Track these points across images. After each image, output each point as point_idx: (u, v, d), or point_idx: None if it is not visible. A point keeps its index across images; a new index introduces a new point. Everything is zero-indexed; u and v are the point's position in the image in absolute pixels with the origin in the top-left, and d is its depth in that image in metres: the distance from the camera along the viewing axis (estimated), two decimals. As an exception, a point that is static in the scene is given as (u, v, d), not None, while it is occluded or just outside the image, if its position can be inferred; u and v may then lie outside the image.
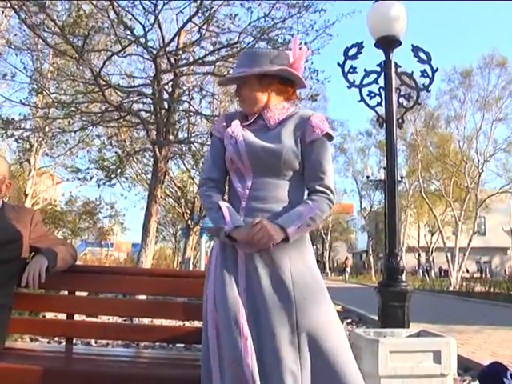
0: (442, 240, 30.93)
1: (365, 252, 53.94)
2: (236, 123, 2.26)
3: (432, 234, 42.37)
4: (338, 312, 2.60)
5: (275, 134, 2.19)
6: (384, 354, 2.98)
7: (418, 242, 44.75)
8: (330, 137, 2.23)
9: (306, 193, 2.24)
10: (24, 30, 10.41)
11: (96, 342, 5.42)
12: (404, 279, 4.99)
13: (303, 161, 2.20)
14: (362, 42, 5.32)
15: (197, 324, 2.37)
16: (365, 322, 9.27)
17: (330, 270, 50.27)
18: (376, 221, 46.09)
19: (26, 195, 20.50)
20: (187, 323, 5.62)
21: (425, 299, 15.45)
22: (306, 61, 9.05)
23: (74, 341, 3.02)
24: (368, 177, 28.43)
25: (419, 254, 45.53)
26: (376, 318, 5.20)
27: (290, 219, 2.07)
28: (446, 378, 3.08)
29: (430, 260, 42.91)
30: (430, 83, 5.39)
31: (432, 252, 41.73)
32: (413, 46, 5.37)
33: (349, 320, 9.29)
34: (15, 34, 11.38)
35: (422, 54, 5.32)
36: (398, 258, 4.94)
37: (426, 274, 38.97)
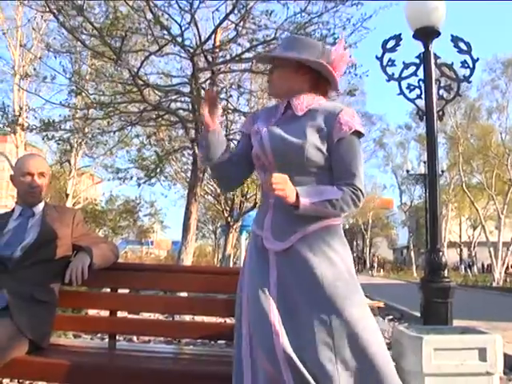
0: (484, 234, 30.25)
1: (405, 247, 53.26)
2: (262, 118, 2.23)
3: (474, 229, 41.53)
4: (379, 308, 2.56)
5: (300, 127, 2.10)
6: (428, 352, 2.93)
7: (460, 236, 43.92)
8: (360, 134, 2.12)
9: None
10: (63, 33, 10.56)
11: (138, 339, 5.49)
12: (446, 275, 4.90)
13: (331, 158, 2.10)
14: (400, 34, 5.23)
15: (238, 321, 2.38)
16: (407, 319, 9.13)
17: (370, 266, 49.60)
18: (417, 216, 45.44)
19: (67, 195, 20.89)
20: (228, 320, 5.63)
21: (467, 295, 15.16)
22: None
23: (117, 337, 3.06)
24: (408, 171, 27.93)
25: (461, 249, 44.69)
26: (418, 314, 5.12)
27: (309, 192, 2.00)
28: (492, 377, 3.00)
29: (472, 255, 42.10)
30: (471, 74, 5.26)
31: (474, 247, 40.97)
32: (452, 36, 5.25)
33: (390, 317, 9.17)
34: (54, 38, 11.59)
35: (462, 44, 5.20)
36: (440, 253, 4.85)
37: (469, 270, 38.26)
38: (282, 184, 1.94)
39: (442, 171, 23.85)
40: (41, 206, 2.89)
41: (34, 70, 12.70)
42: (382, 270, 49.70)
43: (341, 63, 2.20)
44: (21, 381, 3.83)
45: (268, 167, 2.13)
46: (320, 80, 2.20)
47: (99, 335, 5.36)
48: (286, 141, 2.08)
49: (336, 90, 2.27)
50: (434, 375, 2.93)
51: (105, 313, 3.20)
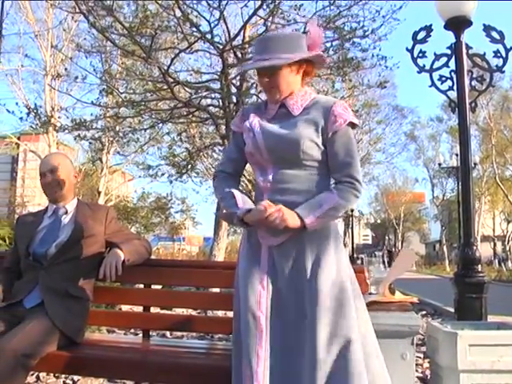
0: (519, 228, 29.73)
1: (438, 242, 52.63)
2: (253, 115, 2.21)
3: (508, 222, 40.84)
4: (412, 304, 2.52)
5: (295, 123, 2.10)
6: (463, 347, 2.87)
7: (494, 230, 43.20)
8: (353, 125, 2.14)
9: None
10: (93, 34, 10.73)
11: (171, 334, 5.53)
12: (480, 270, 4.82)
13: (327, 151, 2.11)
14: (430, 25, 5.16)
15: (269, 316, 2.39)
16: (440, 314, 9.02)
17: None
18: (449, 209, 44.80)
19: (99, 192, 21.21)
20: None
21: (502, 290, 14.87)
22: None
23: (150, 333, 3.09)
24: (440, 164, 27.49)
25: (495, 244, 43.94)
26: (451, 309, 5.06)
27: (310, 209, 2.01)
28: (530, 374, 2.94)
29: (506, 249, 41.38)
30: (504, 63, 5.16)
31: (508, 241, 40.28)
32: (484, 25, 5.15)
33: (424, 312, 9.08)
34: (85, 38, 11.79)
35: (494, 34, 5.10)
36: (474, 247, 4.77)
37: (503, 264, 37.60)
38: (278, 214, 1.97)
39: (475, 164, 23.44)
40: (74, 203, 2.93)
41: (66, 70, 12.91)
42: (413, 264, 49.18)
43: (319, 42, 2.18)
44: (56, 375, 3.90)
45: (263, 164, 2.14)
46: (306, 66, 2.19)
47: (132, 330, 5.42)
48: (280, 136, 2.08)
49: (324, 62, 2.29)
50: (470, 371, 2.87)
51: (138, 308, 3.23)
